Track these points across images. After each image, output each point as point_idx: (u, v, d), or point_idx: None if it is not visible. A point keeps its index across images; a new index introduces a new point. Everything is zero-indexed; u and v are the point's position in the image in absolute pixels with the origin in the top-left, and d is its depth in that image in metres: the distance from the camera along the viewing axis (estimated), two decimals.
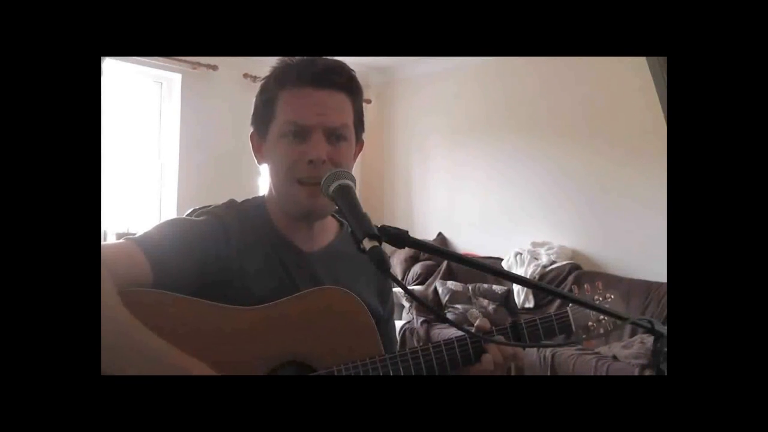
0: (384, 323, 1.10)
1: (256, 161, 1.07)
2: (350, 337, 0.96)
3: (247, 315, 0.92)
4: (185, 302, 0.90)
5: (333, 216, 1.11)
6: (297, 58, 1.02)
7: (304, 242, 1.04)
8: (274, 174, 1.02)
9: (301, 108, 0.98)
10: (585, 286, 1.10)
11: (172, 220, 1.01)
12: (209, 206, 1.05)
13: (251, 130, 1.06)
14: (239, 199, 1.08)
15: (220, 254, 0.95)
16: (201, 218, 0.99)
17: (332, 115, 0.98)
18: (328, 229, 1.09)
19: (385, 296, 1.14)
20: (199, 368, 0.85)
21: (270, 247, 1.01)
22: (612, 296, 1.09)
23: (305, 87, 0.98)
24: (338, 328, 0.96)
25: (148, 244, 0.90)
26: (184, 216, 1.04)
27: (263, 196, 1.08)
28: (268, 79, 1.04)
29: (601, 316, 1.05)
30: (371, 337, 0.97)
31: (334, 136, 0.98)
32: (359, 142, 1.07)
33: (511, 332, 1.02)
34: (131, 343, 0.82)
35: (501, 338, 1.01)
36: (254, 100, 1.05)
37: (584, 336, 1.05)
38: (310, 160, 0.96)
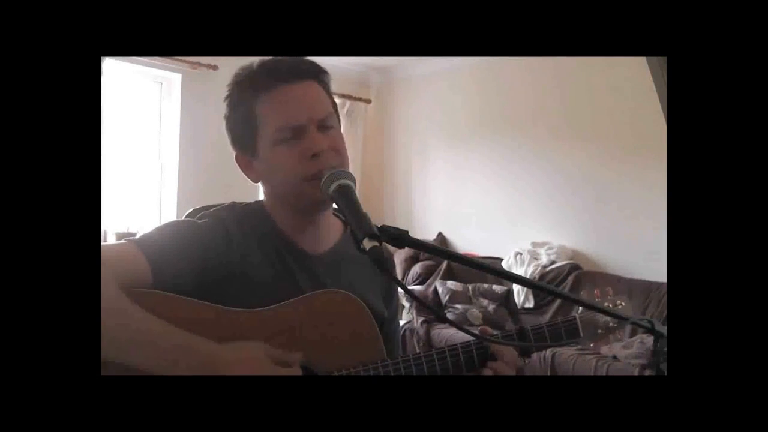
0: (387, 324, 1.10)
1: (250, 181, 1.03)
2: (352, 341, 0.95)
3: (247, 318, 0.91)
4: (184, 303, 0.89)
5: (337, 216, 1.09)
6: (255, 62, 1.00)
7: (309, 244, 1.03)
8: (278, 183, 0.99)
9: (287, 109, 0.95)
10: (595, 291, 1.08)
11: (174, 221, 0.99)
12: (210, 207, 1.04)
13: (234, 153, 1.03)
14: (240, 200, 1.06)
15: (222, 257, 0.94)
16: (203, 221, 0.98)
17: (317, 107, 0.97)
18: (333, 230, 1.08)
19: (389, 297, 1.13)
20: (204, 344, 0.84)
21: (273, 250, 0.99)
22: (623, 303, 1.07)
23: (279, 86, 0.96)
24: (340, 332, 0.95)
25: (148, 246, 0.89)
26: (183, 216, 1.03)
27: (262, 201, 1.06)
28: (233, 95, 1.00)
29: (611, 323, 1.04)
30: (373, 341, 0.96)
31: (324, 126, 0.97)
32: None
33: (518, 339, 1.01)
34: (135, 330, 0.82)
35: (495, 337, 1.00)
36: (225, 122, 1.02)
37: (591, 345, 1.04)
38: (314, 154, 0.94)
